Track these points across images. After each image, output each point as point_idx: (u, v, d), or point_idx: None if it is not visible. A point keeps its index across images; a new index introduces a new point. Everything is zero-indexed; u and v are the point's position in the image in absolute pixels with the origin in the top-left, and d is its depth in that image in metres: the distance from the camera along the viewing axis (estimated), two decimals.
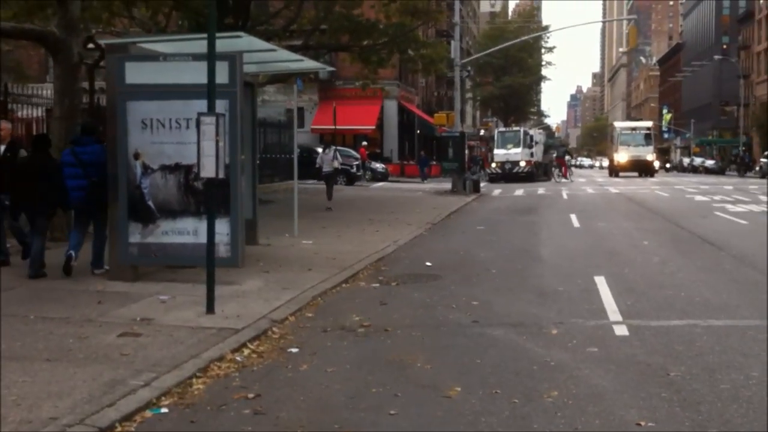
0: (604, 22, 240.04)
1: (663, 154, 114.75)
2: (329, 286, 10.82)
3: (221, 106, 9.36)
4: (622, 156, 56.06)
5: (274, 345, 7.79)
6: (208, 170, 8.79)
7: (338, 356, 7.34)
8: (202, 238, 9.29)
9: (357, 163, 40.02)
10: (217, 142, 8.69)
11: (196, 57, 10.29)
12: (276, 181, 30.45)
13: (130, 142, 10.36)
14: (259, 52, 12.33)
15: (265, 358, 7.30)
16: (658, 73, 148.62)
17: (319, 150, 39.82)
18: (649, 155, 56.24)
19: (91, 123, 12.61)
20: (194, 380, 6.51)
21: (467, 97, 74.06)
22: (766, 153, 59.73)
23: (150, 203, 10.40)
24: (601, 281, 10.91)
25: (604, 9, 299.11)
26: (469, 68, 46.92)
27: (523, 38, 59.19)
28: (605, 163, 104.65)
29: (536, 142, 50.62)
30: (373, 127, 49.99)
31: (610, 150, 66.72)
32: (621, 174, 55.74)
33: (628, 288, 10.45)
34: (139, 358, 6.93)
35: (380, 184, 40.51)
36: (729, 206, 24.68)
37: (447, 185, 35.53)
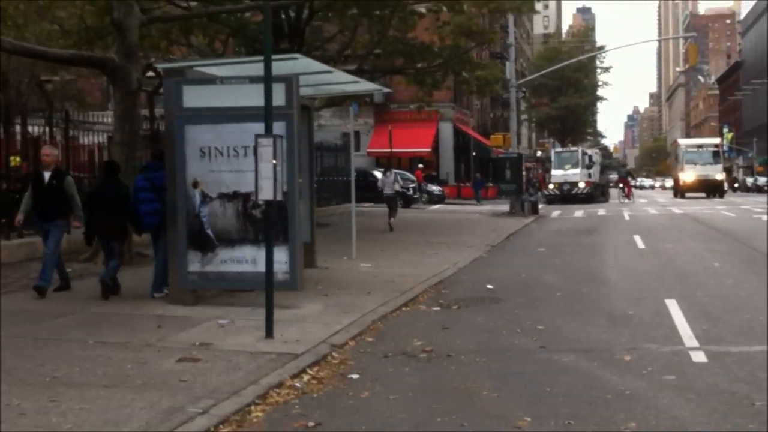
0: (660, 41, 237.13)
1: (727, 173, 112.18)
2: (389, 309, 10.58)
3: (278, 128, 9.24)
4: (688, 175, 52.47)
5: (334, 371, 7.56)
6: (265, 193, 8.66)
7: (400, 383, 7.07)
8: (261, 267, 9.17)
9: (413, 185, 39.84)
10: (274, 164, 8.56)
11: (252, 80, 10.24)
12: (333, 204, 30.40)
13: (188, 171, 10.34)
14: (315, 75, 12.23)
15: (325, 385, 7.07)
16: (717, 92, 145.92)
17: (376, 173, 40.10)
18: (718, 174, 52.50)
19: (161, 148, 12.70)
20: (253, 408, 6.31)
21: (522, 119, 73.49)
22: None
23: (209, 232, 10.34)
24: (672, 304, 10.46)
25: (660, 29, 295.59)
26: (524, 89, 46.33)
27: (579, 58, 58.45)
28: (667, 183, 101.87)
29: (594, 163, 49.47)
30: (429, 150, 49.83)
31: (674, 169, 61.10)
32: (687, 195, 52.54)
33: (702, 311, 9.98)
34: (198, 385, 6.76)
35: (437, 206, 40.23)
36: None
37: (504, 207, 35.13)
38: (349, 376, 7.35)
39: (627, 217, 31.12)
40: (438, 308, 10.96)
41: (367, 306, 10.62)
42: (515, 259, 17.06)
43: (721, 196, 51.36)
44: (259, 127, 8.85)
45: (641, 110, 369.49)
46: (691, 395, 6.37)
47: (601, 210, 36.80)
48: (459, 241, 20.41)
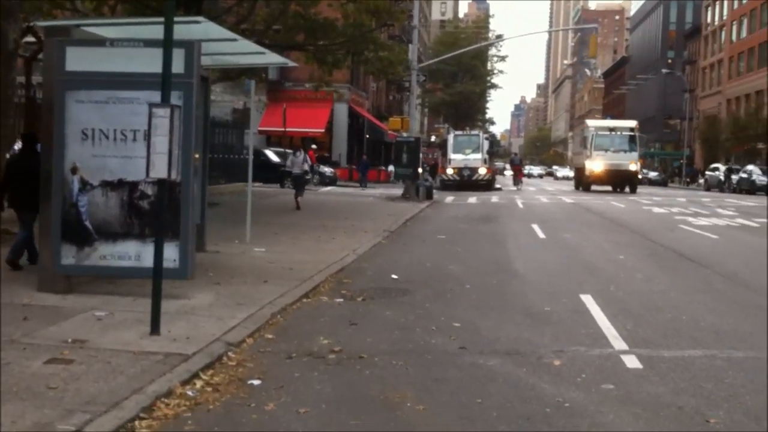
0: (550, 33, 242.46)
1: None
2: (289, 301, 9.67)
3: (175, 98, 8.22)
4: (596, 164, 43.18)
5: (231, 375, 6.62)
6: (158, 170, 7.61)
7: (310, 391, 6.20)
8: (146, 263, 8.30)
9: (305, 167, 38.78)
10: (171, 137, 7.52)
11: (148, 43, 9.18)
12: (222, 183, 29.09)
13: (67, 155, 9.14)
14: (215, 42, 11.10)
15: (222, 393, 6.12)
16: (602, 85, 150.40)
17: (268, 152, 38.97)
18: (633, 165, 43.68)
19: None
20: (137, 423, 5.33)
21: (416, 103, 73.13)
22: (711, 166, 59.61)
23: (87, 223, 9.17)
24: (588, 300, 9.95)
25: (551, 21, 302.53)
26: (425, 73, 45.10)
27: (480, 45, 58.16)
28: (561, 172, 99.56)
29: (494, 148, 48.33)
30: (323, 131, 48.80)
31: (578, 156, 49.57)
32: (594, 188, 45.14)
33: (621, 309, 9.47)
34: (70, 393, 5.71)
35: (329, 188, 39.37)
36: (690, 219, 24.12)
37: (394, 191, 34.68)
38: (250, 382, 6.43)
39: (521, 206, 31.03)
40: (341, 300, 10.13)
41: (265, 297, 9.68)
42: (416, 246, 16.38)
43: (633, 191, 44.11)
44: (151, 96, 7.88)
45: (528, 100, 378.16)
46: (637, 410, 5.73)
47: (494, 197, 36.65)
48: (356, 225, 19.63)
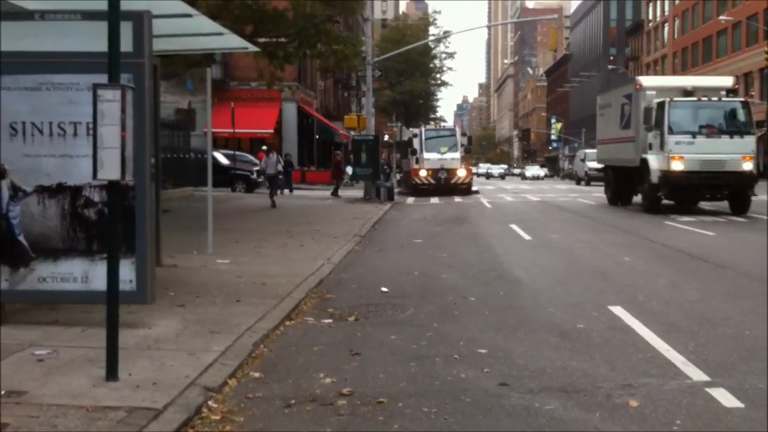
0: (489, 27, 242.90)
1: (552, 163, 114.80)
2: (270, 325, 8.06)
3: (123, 82, 6.56)
4: (676, 163, 22.37)
5: None
6: (108, 169, 5.93)
7: None
8: (95, 286, 6.85)
9: (257, 168, 36.99)
10: (122, 125, 5.86)
11: (86, 15, 7.48)
12: (169, 188, 27.15)
13: None
14: (164, 19, 9.29)
15: None
16: (545, 83, 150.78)
17: (217, 154, 37.09)
18: (747, 162, 22.64)
19: None
20: None
21: (363, 103, 71.44)
22: None
23: (21, 239, 7.46)
24: (622, 313, 8.52)
25: (489, 20, 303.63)
26: (380, 69, 42.36)
27: (431, 39, 56.64)
28: (531, 171, 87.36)
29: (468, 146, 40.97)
30: (272, 131, 46.91)
31: (618, 148, 27.07)
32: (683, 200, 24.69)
33: (668, 324, 8.01)
34: None
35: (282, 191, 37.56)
36: (672, 214, 22.83)
37: (351, 193, 33.27)
38: None
39: (488, 205, 29.66)
40: (330, 320, 8.56)
41: (241, 321, 8.04)
42: (394, 252, 14.83)
43: (745, 209, 23.18)
44: (93, 80, 6.26)
45: (470, 100, 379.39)
46: None
47: (457, 197, 35.06)
48: (321, 230, 18.03)
